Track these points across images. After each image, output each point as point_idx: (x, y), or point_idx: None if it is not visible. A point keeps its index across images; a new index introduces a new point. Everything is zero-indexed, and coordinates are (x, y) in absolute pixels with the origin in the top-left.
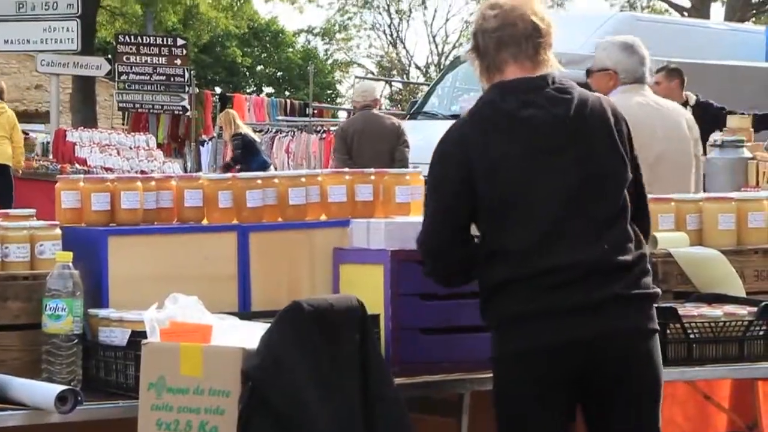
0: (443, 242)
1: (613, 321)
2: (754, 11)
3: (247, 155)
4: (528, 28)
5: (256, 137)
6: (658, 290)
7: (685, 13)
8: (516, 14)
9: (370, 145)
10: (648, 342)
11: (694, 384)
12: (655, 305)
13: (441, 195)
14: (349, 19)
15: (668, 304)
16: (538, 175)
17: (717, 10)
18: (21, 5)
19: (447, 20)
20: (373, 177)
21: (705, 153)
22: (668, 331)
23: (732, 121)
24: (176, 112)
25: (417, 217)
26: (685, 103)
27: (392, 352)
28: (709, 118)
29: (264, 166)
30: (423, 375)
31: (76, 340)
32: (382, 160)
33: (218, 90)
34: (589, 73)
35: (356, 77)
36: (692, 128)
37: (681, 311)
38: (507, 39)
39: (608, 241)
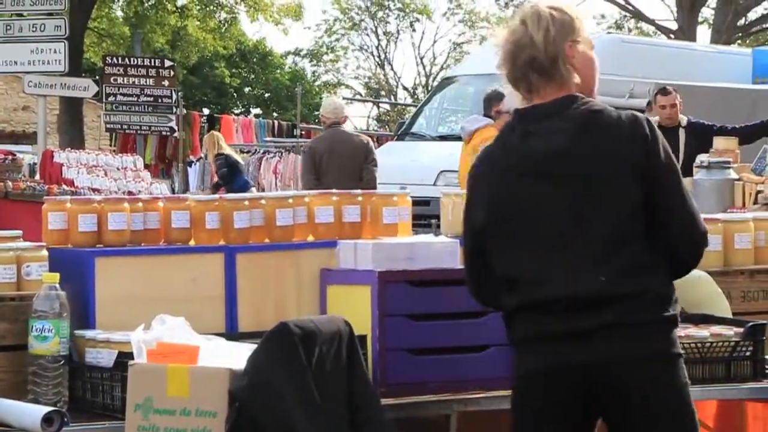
0: (472, 269)
1: (603, 350)
2: (741, 34)
3: (231, 175)
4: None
5: (239, 158)
6: (667, 315)
7: (672, 35)
8: None
9: (339, 163)
10: (650, 369)
11: None
12: (661, 331)
13: (465, 224)
14: (337, 40)
15: None
16: (538, 204)
17: (704, 33)
18: (8, 27)
19: (435, 42)
20: (360, 198)
21: (692, 174)
22: None
23: (718, 142)
24: (164, 133)
25: (404, 238)
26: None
27: (379, 373)
28: (700, 137)
29: (245, 187)
30: (410, 396)
31: (62, 361)
32: (350, 179)
33: (206, 111)
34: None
35: (344, 98)
36: None
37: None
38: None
39: (607, 271)
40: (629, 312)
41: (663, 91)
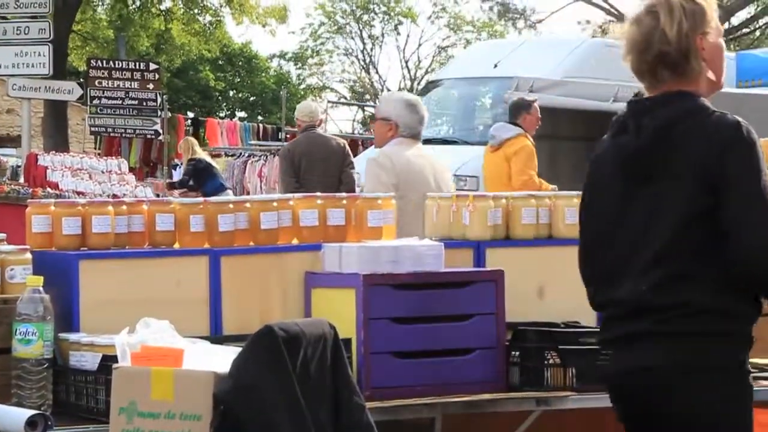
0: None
1: (636, 358)
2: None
3: (201, 179)
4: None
5: (212, 162)
6: (711, 328)
7: None
8: None
9: (317, 166)
10: (677, 380)
11: None
12: (698, 343)
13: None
14: (322, 44)
15: None
16: (618, 203)
17: None
18: None
19: (420, 45)
20: (344, 201)
21: None
22: None
23: None
24: (148, 136)
25: (389, 242)
26: None
27: (364, 377)
28: None
29: (218, 189)
30: (395, 399)
31: (46, 365)
32: (330, 182)
33: (191, 114)
34: (372, 118)
35: (329, 102)
36: (449, 179)
37: None
38: None
39: (650, 280)
40: (665, 322)
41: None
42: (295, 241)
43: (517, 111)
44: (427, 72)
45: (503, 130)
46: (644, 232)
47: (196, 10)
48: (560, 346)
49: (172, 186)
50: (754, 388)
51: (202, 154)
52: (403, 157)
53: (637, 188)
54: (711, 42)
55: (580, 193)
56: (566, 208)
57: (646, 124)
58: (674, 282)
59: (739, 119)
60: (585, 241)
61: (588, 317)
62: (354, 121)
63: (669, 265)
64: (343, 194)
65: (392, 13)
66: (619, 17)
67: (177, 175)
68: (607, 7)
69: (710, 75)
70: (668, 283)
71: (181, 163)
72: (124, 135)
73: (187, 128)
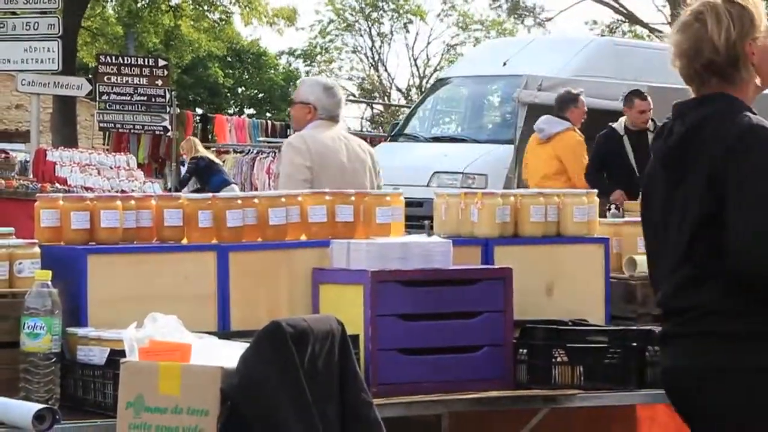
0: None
1: (666, 359)
2: None
3: (204, 177)
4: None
5: (215, 159)
6: (718, 330)
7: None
8: None
9: None
10: (697, 382)
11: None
12: (704, 345)
13: None
14: (331, 41)
15: (646, 327)
16: (657, 202)
17: None
18: (2, 25)
19: (429, 43)
20: (353, 198)
21: None
22: (647, 354)
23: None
24: (157, 133)
25: (397, 238)
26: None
27: (371, 373)
28: None
29: (222, 184)
30: (402, 396)
31: (54, 359)
32: None
33: (200, 111)
34: (292, 102)
35: None
36: (376, 163)
37: None
38: None
39: (673, 283)
40: (681, 325)
41: (640, 94)
42: (303, 238)
43: (564, 104)
44: (435, 70)
45: (552, 123)
46: (671, 235)
47: (205, 7)
48: (568, 344)
49: (177, 190)
50: None
51: (204, 153)
52: (319, 140)
53: (674, 191)
54: (760, 46)
55: (589, 191)
56: (574, 206)
57: (678, 127)
58: (690, 284)
59: (755, 123)
60: (646, 247)
61: (596, 315)
62: (362, 118)
63: (687, 268)
64: (352, 191)
65: (401, 11)
66: (628, 16)
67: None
68: (616, 5)
69: (757, 81)
70: (685, 286)
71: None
72: (132, 131)
73: (196, 125)
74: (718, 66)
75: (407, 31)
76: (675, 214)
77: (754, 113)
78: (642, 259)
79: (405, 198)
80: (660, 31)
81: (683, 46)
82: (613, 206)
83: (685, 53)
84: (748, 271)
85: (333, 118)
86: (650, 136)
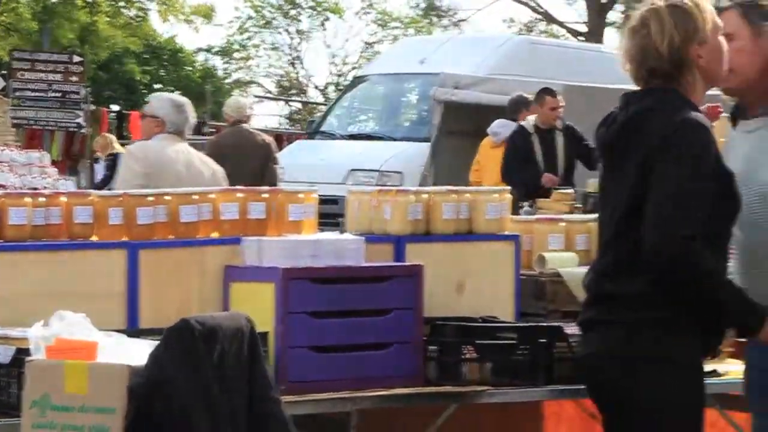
0: None
1: (586, 345)
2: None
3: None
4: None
5: None
6: (638, 316)
7: (583, 38)
8: None
9: (242, 161)
10: (620, 368)
11: (580, 402)
12: (620, 331)
13: None
14: (249, 38)
15: (555, 323)
16: (601, 195)
17: (614, 35)
18: None
19: (347, 41)
20: (265, 195)
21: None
22: (554, 350)
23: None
24: (71, 129)
25: (309, 236)
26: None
27: (281, 371)
28: (576, 142)
29: None
30: (311, 393)
31: None
32: (253, 176)
33: (116, 107)
34: (143, 115)
35: (255, 96)
36: (216, 173)
37: (568, 330)
38: None
39: (598, 269)
40: (607, 311)
41: (551, 92)
42: (215, 235)
43: (516, 107)
44: (354, 68)
45: (506, 127)
46: (609, 221)
47: (122, 3)
48: (477, 341)
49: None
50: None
51: (121, 150)
52: (159, 150)
53: (611, 178)
54: (708, 47)
55: (502, 188)
56: (487, 203)
57: (621, 116)
58: (614, 270)
59: (690, 118)
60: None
61: (506, 312)
62: (280, 116)
63: (613, 254)
64: (265, 188)
65: (319, 9)
66: (545, 15)
67: (99, 170)
68: (533, 5)
69: (701, 84)
70: (611, 272)
71: (102, 158)
72: (46, 128)
73: (111, 121)
74: (664, 71)
75: (324, 29)
76: (609, 200)
77: (698, 110)
78: (552, 256)
79: (321, 196)
80: (577, 31)
81: (631, 52)
82: (526, 204)
83: (633, 59)
84: (659, 262)
85: (180, 134)
86: (558, 134)
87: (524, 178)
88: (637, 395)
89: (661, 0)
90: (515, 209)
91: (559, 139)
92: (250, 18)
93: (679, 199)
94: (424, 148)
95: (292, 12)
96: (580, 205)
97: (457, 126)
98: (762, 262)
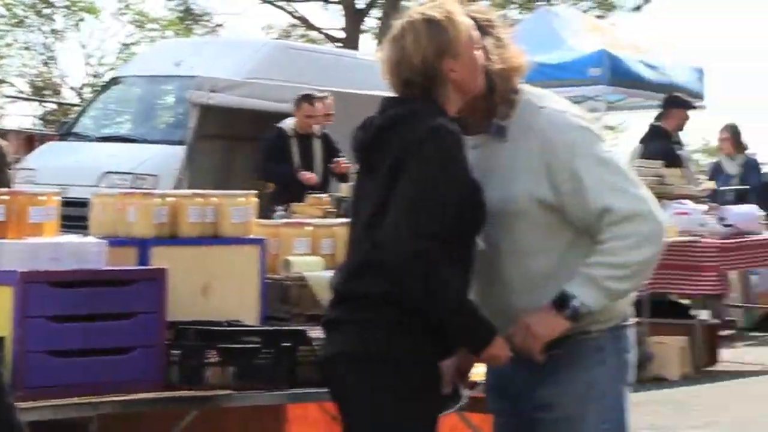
0: None
1: (326, 346)
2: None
3: None
4: None
5: None
6: (359, 316)
7: (341, 44)
8: None
9: None
10: (348, 369)
11: (323, 405)
12: (347, 332)
13: None
14: (1, 37)
15: (299, 327)
16: (356, 196)
17: (369, 42)
18: None
19: (103, 41)
20: (5, 197)
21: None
22: (298, 353)
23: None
24: None
25: (50, 238)
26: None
27: (19, 376)
28: (331, 149)
29: None
30: (50, 398)
31: None
32: None
33: None
34: None
35: (7, 96)
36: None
37: (311, 333)
38: None
39: (343, 270)
40: (346, 311)
41: (310, 99)
42: None
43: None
44: (111, 69)
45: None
46: (358, 224)
47: None
48: (220, 345)
49: None
50: None
51: None
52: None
53: (365, 180)
54: (462, 61)
55: (248, 192)
56: (232, 207)
57: (377, 121)
58: (356, 272)
59: (441, 125)
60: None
61: (251, 316)
62: (34, 116)
63: (359, 255)
64: (5, 189)
65: (74, 8)
66: (302, 21)
67: None
68: (291, 10)
69: (454, 97)
70: (354, 273)
71: None
72: None
73: None
74: (417, 84)
75: (78, 29)
76: (362, 202)
77: (451, 119)
78: (297, 260)
79: (73, 198)
80: (334, 37)
81: (388, 63)
82: (280, 208)
83: (390, 70)
84: (389, 262)
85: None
86: (316, 141)
87: (284, 173)
88: (359, 394)
89: (418, 12)
90: (269, 213)
91: (317, 145)
92: (1, 16)
93: (418, 203)
94: (180, 151)
95: (46, 11)
96: (334, 210)
97: (214, 129)
98: (491, 280)
